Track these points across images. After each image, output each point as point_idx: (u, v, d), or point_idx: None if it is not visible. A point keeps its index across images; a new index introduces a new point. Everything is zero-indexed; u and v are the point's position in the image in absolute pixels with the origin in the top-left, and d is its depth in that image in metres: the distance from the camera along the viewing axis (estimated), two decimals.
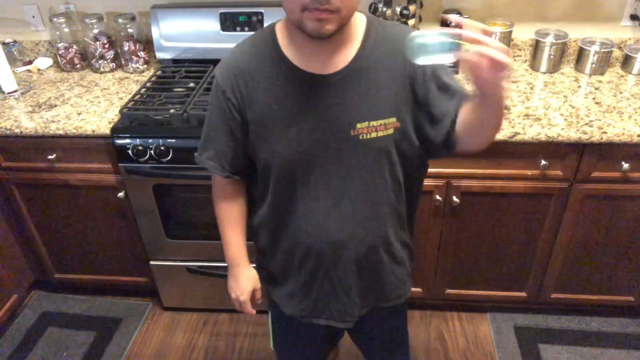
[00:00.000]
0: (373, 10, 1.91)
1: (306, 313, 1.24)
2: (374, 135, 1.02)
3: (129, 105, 1.84)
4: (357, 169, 1.05)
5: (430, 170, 1.19)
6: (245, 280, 1.26)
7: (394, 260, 1.20)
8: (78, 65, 2.22)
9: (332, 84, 1.00)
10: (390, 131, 1.02)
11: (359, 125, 1.01)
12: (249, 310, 1.28)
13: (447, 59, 0.81)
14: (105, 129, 1.77)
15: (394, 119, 1.02)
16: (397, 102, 1.01)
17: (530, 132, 1.63)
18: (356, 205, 1.08)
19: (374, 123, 1.01)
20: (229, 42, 2.05)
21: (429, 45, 0.80)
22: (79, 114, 1.87)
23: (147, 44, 2.19)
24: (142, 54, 2.18)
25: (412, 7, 1.92)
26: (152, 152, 1.76)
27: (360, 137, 1.01)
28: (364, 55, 1.00)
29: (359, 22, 1.02)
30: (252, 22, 2.01)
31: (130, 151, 1.77)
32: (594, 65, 1.97)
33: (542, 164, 1.69)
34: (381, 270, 1.19)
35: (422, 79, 1.00)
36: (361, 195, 1.08)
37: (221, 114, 1.09)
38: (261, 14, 2.00)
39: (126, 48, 2.14)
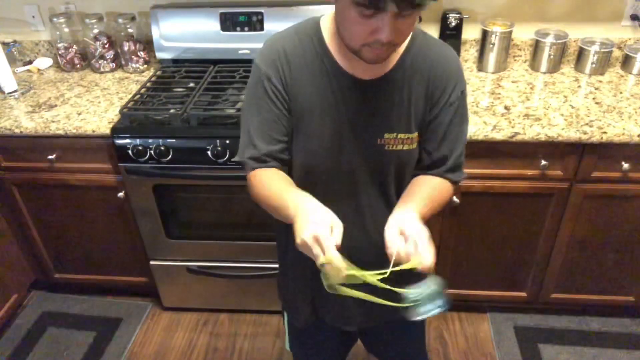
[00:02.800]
0: None
1: (314, 316, 1.23)
2: (399, 147, 1.02)
3: (129, 105, 1.84)
4: (378, 177, 1.06)
5: None
6: (312, 213, 0.87)
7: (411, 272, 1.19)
8: (78, 65, 2.22)
9: (370, 89, 1.00)
10: (414, 146, 1.04)
11: (386, 136, 1.01)
12: (331, 253, 0.85)
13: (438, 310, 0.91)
14: (105, 129, 1.77)
15: (416, 134, 1.04)
16: (423, 117, 1.03)
17: (530, 132, 1.63)
18: (374, 213, 1.09)
19: (402, 136, 1.02)
20: (229, 42, 2.06)
21: (423, 303, 0.90)
22: (79, 114, 1.87)
23: (147, 44, 2.19)
24: (142, 54, 2.18)
25: None
26: (152, 152, 1.76)
27: (386, 148, 1.02)
28: (402, 66, 1.00)
29: None
30: (252, 22, 2.01)
31: (130, 151, 1.77)
32: (594, 65, 1.97)
33: (542, 164, 1.69)
34: (400, 275, 1.18)
35: (441, 104, 1.02)
36: (381, 204, 1.09)
37: (268, 104, 1.01)
38: (261, 14, 2.00)
39: (126, 48, 2.14)
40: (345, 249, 1.08)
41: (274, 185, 1.00)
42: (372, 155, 1.03)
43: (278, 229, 1.22)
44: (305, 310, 1.25)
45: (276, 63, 1.00)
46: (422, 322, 1.39)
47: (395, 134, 1.01)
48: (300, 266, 1.20)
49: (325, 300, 1.21)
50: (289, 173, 1.09)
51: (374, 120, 1.01)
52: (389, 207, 1.08)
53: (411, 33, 1.01)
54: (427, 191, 1.04)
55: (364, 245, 1.10)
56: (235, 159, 1.10)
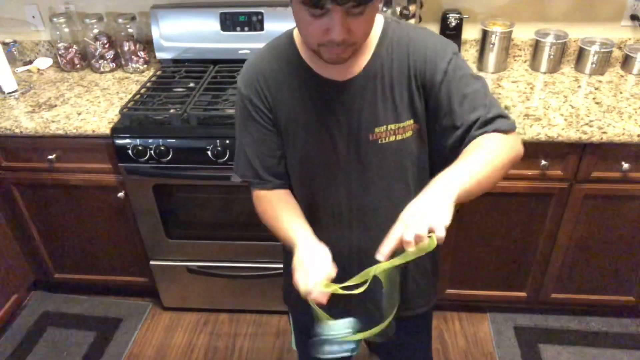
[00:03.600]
0: None
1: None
2: (392, 139, 1.01)
3: (129, 105, 1.84)
4: (378, 174, 1.04)
5: None
6: (311, 255, 0.96)
7: (418, 269, 1.18)
8: (78, 65, 2.22)
9: (349, 89, 0.99)
10: (409, 134, 1.01)
11: (377, 130, 1.00)
12: (317, 298, 0.92)
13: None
14: (105, 129, 1.77)
15: (411, 121, 1.01)
16: (414, 103, 1.00)
17: (530, 132, 1.63)
18: (379, 212, 1.07)
19: (392, 127, 1.00)
20: (229, 42, 2.05)
21: (330, 343, 0.87)
22: (79, 114, 1.87)
23: (147, 44, 2.19)
24: (142, 54, 2.18)
25: (412, 7, 1.92)
26: (152, 152, 1.76)
27: (379, 142, 1.01)
28: (377, 59, 0.99)
29: (375, 26, 1.00)
30: (252, 22, 2.01)
31: (130, 151, 1.77)
32: (594, 65, 1.97)
33: (542, 164, 1.69)
34: (404, 279, 1.16)
35: (437, 81, 0.97)
36: (384, 201, 1.07)
37: (254, 124, 1.06)
38: (261, 14, 2.00)
39: (126, 48, 2.14)
40: (347, 252, 1.09)
41: (279, 216, 1.07)
42: (368, 152, 1.02)
43: None
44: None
45: (254, 84, 1.03)
46: (430, 325, 1.38)
47: (384, 126, 1.00)
48: None
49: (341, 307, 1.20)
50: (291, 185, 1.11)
51: (361, 117, 1.00)
52: (393, 203, 1.06)
53: (382, 25, 1.01)
54: (463, 158, 0.90)
55: (367, 247, 1.08)
56: (236, 179, 1.13)
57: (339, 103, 1.00)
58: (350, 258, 1.11)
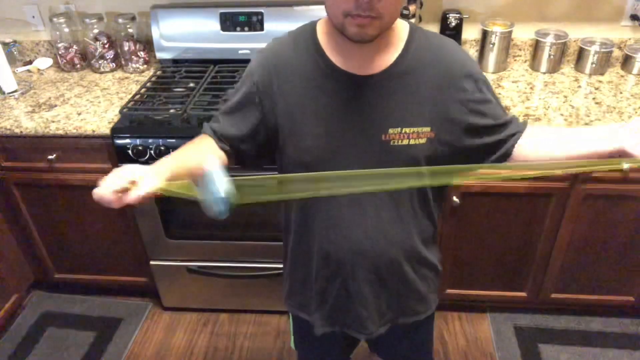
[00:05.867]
0: None
1: (320, 322, 1.22)
2: (405, 142, 0.99)
3: (129, 105, 1.84)
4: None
5: None
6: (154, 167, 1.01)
7: (418, 275, 1.17)
8: (78, 65, 2.22)
9: (369, 85, 0.98)
10: (423, 140, 1.00)
11: (391, 131, 0.99)
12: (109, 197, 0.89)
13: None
14: (105, 129, 1.77)
15: (428, 129, 1.00)
16: (435, 113, 0.99)
17: None
18: (381, 214, 1.06)
19: (407, 130, 0.99)
20: (229, 42, 2.06)
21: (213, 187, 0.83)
22: (79, 114, 1.87)
23: (147, 44, 2.19)
24: (142, 54, 2.18)
25: (412, 7, 1.92)
26: (152, 152, 1.76)
27: (391, 143, 0.99)
28: (405, 60, 0.99)
29: (402, 28, 1.01)
30: (252, 22, 2.01)
31: (130, 151, 1.77)
32: (594, 65, 1.97)
33: None
34: (403, 284, 1.16)
35: (472, 102, 1.01)
36: (387, 204, 1.06)
37: (242, 94, 1.06)
38: (261, 14, 2.00)
39: (126, 48, 2.14)
40: (346, 252, 1.09)
41: (189, 146, 1.08)
42: (376, 152, 1.00)
43: (285, 236, 1.22)
44: (316, 322, 1.24)
45: (264, 65, 1.03)
46: (431, 325, 1.37)
47: (399, 128, 0.99)
48: (310, 279, 1.19)
49: (336, 309, 1.19)
50: (292, 172, 1.08)
51: (376, 116, 0.99)
52: (398, 210, 1.06)
53: (409, 29, 1.02)
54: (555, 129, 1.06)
55: (366, 249, 1.08)
56: (204, 125, 1.12)
57: (354, 98, 0.99)
58: (345, 257, 1.11)
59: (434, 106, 0.99)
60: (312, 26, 1.04)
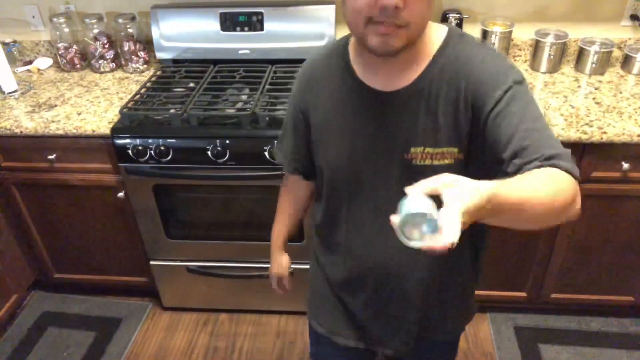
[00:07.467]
0: None
1: (344, 334, 1.21)
2: (428, 162, 0.92)
3: (129, 105, 1.84)
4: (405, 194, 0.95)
5: None
6: (275, 265, 1.38)
7: (444, 297, 1.13)
8: (78, 65, 2.22)
9: (392, 102, 0.93)
10: (449, 161, 0.92)
11: (412, 150, 0.92)
12: (275, 289, 1.42)
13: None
14: (105, 129, 1.77)
15: (455, 150, 0.91)
16: (459, 130, 0.90)
17: None
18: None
19: (429, 150, 0.92)
20: (229, 42, 2.06)
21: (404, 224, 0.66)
22: (79, 114, 1.87)
23: (147, 44, 2.19)
24: (142, 54, 2.18)
25: None
26: (152, 152, 1.76)
27: (413, 162, 0.93)
28: (430, 74, 0.90)
29: (436, 36, 0.92)
30: (252, 22, 2.01)
31: (130, 151, 1.77)
32: (594, 65, 1.97)
33: None
34: (429, 306, 1.12)
35: (487, 110, 0.85)
36: None
37: (290, 113, 1.11)
38: (261, 14, 2.00)
39: (126, 48, 2.14)
40: (368, 271, 1.09)
41: (276, 215, 1.32)
42: (398, 170, 0.95)
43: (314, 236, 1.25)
44: (339, 334, 1.23)
45: (302, 80, 1.06)
46: (455, 345, 1.32)
47: (422, 147, 0.92)
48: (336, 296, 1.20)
49: (361, 325, 1.18)
50: (321, 181, 1.11)
51: (398, 133, 0.93)
52: None
53: (445, 36, 0.93)
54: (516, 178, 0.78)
55: (389, 270, 1.06)
56: (275, 147, 1.33)
57: (378, 114, 0.95)
58: (368, 273, 1.09)
59: (457, 123, 0.90)
60: (345, 40, 1.01)
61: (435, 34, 0.93)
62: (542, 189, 0.73)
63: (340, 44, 1.02)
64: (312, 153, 1.10)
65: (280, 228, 1.32)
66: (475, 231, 0.98)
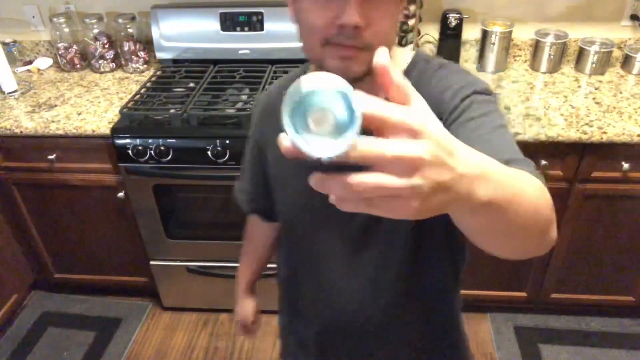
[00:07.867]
0: None
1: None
2: None
3: (129, 105, 1.84)
4: (373, 235, 0.87)
5: None
6: (239, 309, 1.35)
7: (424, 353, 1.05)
8: (78, 65, 2.22)
9: None
10: None
11: None
12: (238, 333, 1.41)
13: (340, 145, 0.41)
14: (105, 129, 1.77)
15: None
16: None
17: (530, 132, 1.62)
18: (376, 278, 0.91)
19: None
20: (229, 42, 2.06)
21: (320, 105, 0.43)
22: (79, 114, 1.87)
23: (147, 44, 2.19)
24: (142, 54, 2.18)
25: (412, 7, 1.92)
26: (152, 152, 1.76)
27: None
28: None
29: (400, 62, 0.83)
30: (252, 22, 2.01)
31: (130, 151, 1.77)
32: (594, 65, 1.97)
33: (542, 164, 1.69)
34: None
35: (443, 120, 0.75)
36: (379, 268, 0.90)
37: (249, 148, 1.05)
38: (261, 14, 2.00)
39: (126, 48, 2.14)
40: (332, 320, 0.99)
41: (239, 260, 1.32)
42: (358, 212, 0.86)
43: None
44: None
45: (258, 113, 1.01)
46: None
47: None
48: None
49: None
50: (280, 221, 1.05)
51: None
52: (397, 272, 0.90)
53: (410, 61, 0.84)
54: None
55: (353, 318, 0.96)
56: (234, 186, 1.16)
57: None
58: (332, 324, 1.01)
59: None
60: (302, 70, 0.92)
61: (399, 59, 0.84)
62: (529, 185, 0.57)
63: (298, 73, 0.93)
64: (271, 190, 1.00)
65: (244, 269, 1.26)
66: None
